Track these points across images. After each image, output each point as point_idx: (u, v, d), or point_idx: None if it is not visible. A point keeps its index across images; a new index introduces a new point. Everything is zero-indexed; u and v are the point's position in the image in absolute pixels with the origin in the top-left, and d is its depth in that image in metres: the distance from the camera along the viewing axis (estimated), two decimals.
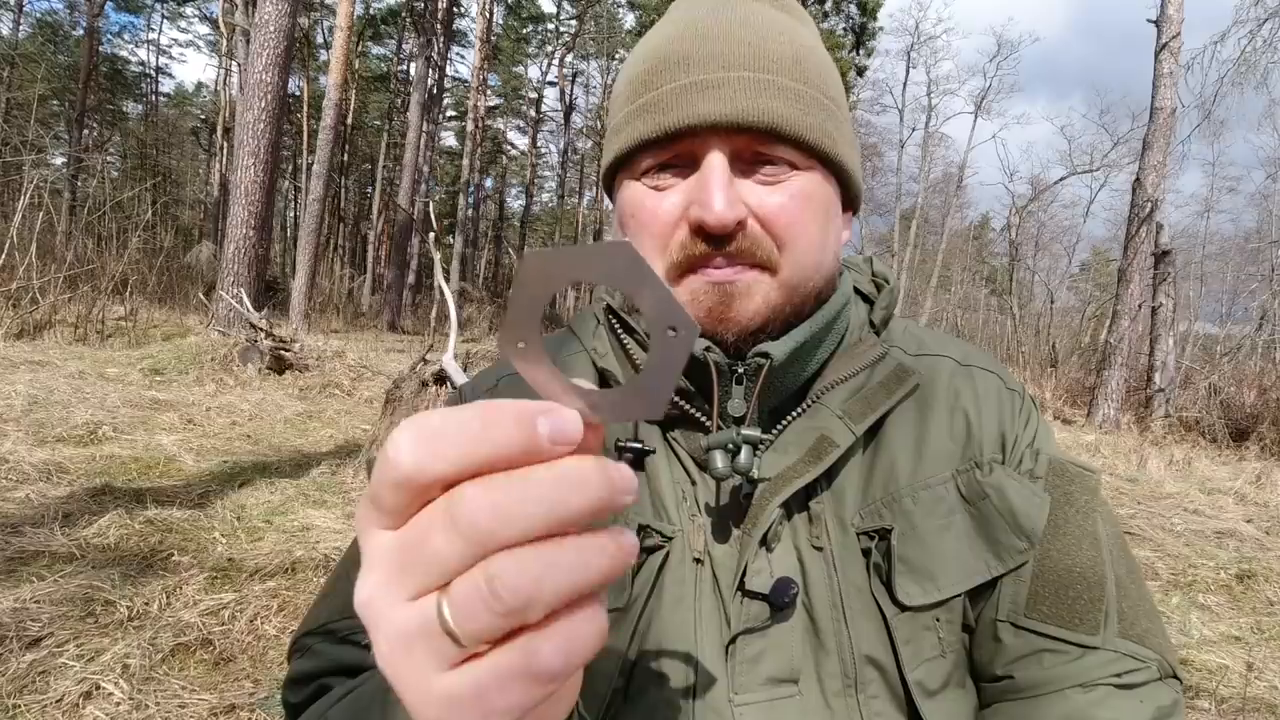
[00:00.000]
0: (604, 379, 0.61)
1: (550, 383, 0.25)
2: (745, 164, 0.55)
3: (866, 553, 0.57)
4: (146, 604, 2.31)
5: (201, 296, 10.03)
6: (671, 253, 0.55)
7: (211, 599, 2.39)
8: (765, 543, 0.57)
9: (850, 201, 0.63)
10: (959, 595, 0.57)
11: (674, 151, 0.55)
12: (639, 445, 0.59)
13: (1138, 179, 9.27)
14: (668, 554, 0.56)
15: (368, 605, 0.25)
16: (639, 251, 0.25)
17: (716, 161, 0.53)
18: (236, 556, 2.78)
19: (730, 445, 0.55)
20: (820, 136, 0.55)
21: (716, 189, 0.52)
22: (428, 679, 0.24)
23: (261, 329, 7.15)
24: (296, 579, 2.64)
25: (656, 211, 0.55)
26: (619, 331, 0.63)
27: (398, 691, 0.25)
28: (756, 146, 0.54)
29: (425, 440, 0.23)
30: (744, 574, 0.55)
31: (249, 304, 7.52)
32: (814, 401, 0.60)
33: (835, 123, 0.58)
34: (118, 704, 1.83)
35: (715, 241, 0.53)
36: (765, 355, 0.55)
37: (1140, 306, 9.35)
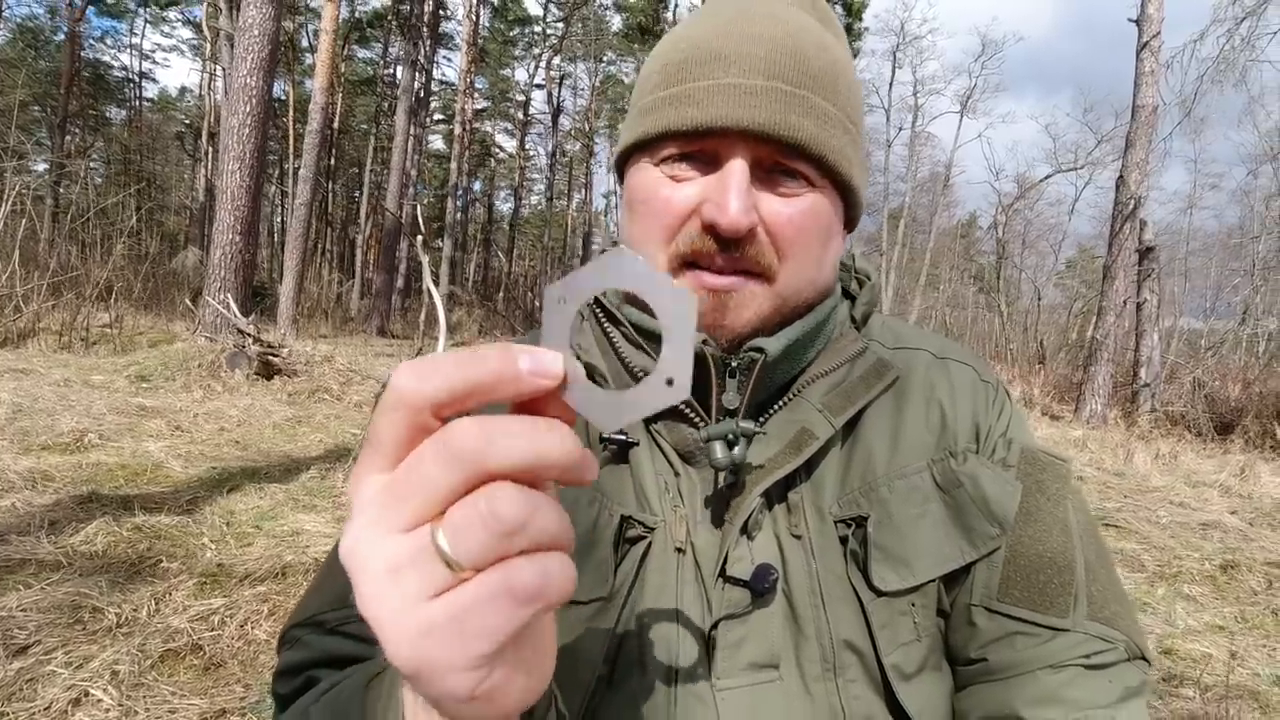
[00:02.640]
0: (589, 374, 0.62)
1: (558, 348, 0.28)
2: (764, 171, 0.56)
3: (844, 540, 0.59)
4: (135, 610, 2.30)
5: (188, 302, 9.95)
6: (679, 243, 0.56)
7: (201, 604, 2.38)
8: (746, 531, 0.58)
9: (851, 220, 0.64)
10: (933, 580, 0.58)
11: (698, 146, 0.56)
12: (623, 437, 0.61)
13: (1121, 176, 9.36)
14: (650, 544, 0.58)
15: (354, 547, 0.26)
16: (640, 260, 0.29)
17: (738, 167, 0.54)
18: (226, 562, 2.76)
19: (730, 436, 0.56)
20: (839, 159, 0.57)
21: (735, 194, 0.53)
22: (410, 610, 0.25)
23: (249, 334, 7.10)
24: (287, 583, 2.64)
25: (671, 200, 0.56)
26: (604, 323, 0.64)
27: (376, 629, 0.26)
28: (778, 157, 0.55)
29: (419, 368, 0.26)
30: (725, 561, 0.56)
31: (236, 309, 7.47)
32: (795, 395, 0.61)
33: (854, 146, 0.59)
34: (107, 710, 1.82)
35: (723, 244, 0.55)
36: (759, 350, 0.56)
37: (1125, 303, 9.45)
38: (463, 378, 0.26)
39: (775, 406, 0.61)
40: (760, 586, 0.55)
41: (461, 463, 0.25)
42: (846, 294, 0.69)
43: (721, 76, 0.55)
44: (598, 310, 0.64)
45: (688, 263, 0.56)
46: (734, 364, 0.57)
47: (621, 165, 0.64)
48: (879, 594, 0.57)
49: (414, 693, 0.30)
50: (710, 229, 0.54)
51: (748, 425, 0.57)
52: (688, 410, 0.59)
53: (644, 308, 0.60)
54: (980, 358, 0.71)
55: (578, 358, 0.62)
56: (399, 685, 0.34)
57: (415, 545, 0.25)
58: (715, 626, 0.56)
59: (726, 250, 0.55)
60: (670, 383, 0.28)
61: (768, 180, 0.56)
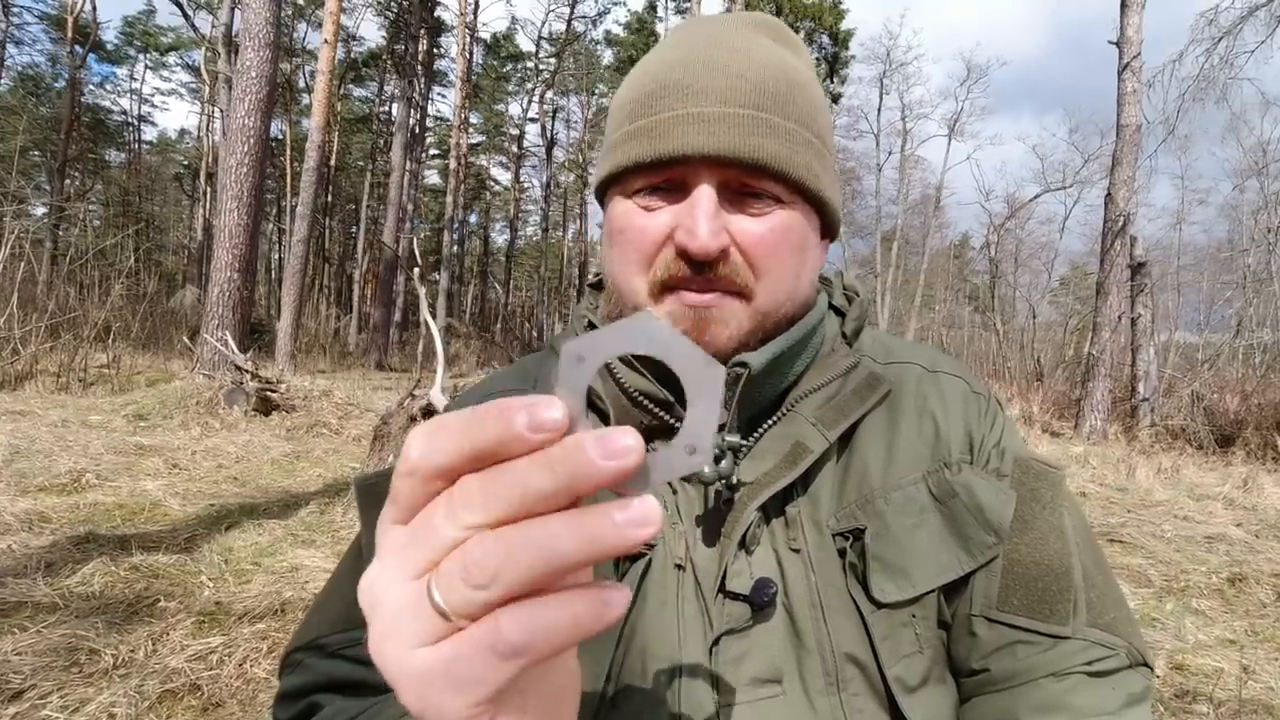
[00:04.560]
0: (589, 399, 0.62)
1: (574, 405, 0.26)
2: (732, 193, 0.57)
3: (842, 553, 0.59)
4: (132, 651, 2.27)
5: (186, 341, 9.97)
6: (656, 270, 0.57)
7: (199, 644, 2.35)
8: (744, 545, 0.58)
9: (829, 230, 0.66)
10: (933, 591, 0.58)
11: (666, 176, 0.58)
12: None
13: (1109, 194, 9.47)
14: (650, 561, 0.58)
15: (369, 588, 0.27)
16: (661, 321, 0.28)
17: (705, 192, 0.56)
18: (224, 600, 2.73)
19: (715, 451, 0.57)
20: (805, 174, 0.58)
21: (703, 218, 0.55)
22: (408, 654, 0.26)
23: (247, 371, 7.11)
24: (286, 620, 2.60)
25: (645, 230, 0.58)
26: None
27: (382, 670, 0.26)
28: (744, 178, 0.57)
29: (429, 434, 0.26)
30: (724, 576, 0.57)
31: (234, 346, 7.48)
32: (789, 410, 0.62)
33: (821, 161, 0.60)
34: None
35: (697, 266, 0.56)
36: (744, 365, 0.57)
37: (1120, 318, 9.49)
38: (469, 442, 0.25)
39: (769, 422, 0.61)
40: (760, 600, 0.55)
41: (459, 519, 0.25)
42: (837, 310, 0.70)
43: (681, 108, 0.57)
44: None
45: (667, 288, 0.57)
46: None
47: (601, 196, 0.66)
48: (879, 606, 0.57)
49: None
50: (683, 254, 0.56)
51: (732, 440, 0.57)
52: (679, 426, 0.60)
53: (647, 369, 0.60)
54: (971, 370, 0.72)
55: (596, 407, 0.62)
56: None
57: (415, 593, 0.26)
58: (717, 642, 0.56)
59: (701, 273, 0.56)
60: (692, 451, 0.28)
61: (737, 201, 0.57)
